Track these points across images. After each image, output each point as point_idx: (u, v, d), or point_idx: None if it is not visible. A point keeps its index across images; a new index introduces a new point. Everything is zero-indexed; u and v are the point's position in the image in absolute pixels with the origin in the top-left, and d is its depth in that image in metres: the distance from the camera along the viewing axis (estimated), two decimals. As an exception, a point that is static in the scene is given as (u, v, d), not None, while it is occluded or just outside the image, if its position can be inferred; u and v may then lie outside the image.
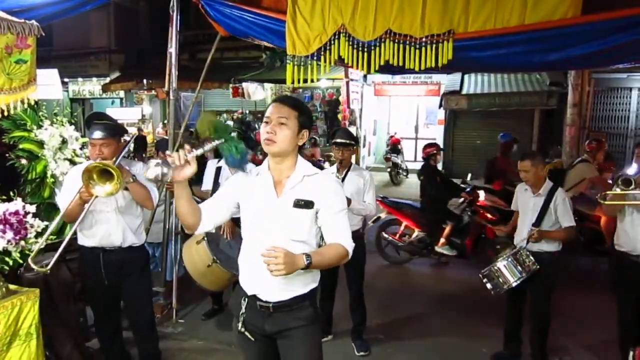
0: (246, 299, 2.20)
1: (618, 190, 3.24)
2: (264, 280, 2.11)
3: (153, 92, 15.06)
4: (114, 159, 2.98)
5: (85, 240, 3.21)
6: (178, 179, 1.99)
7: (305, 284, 2.19)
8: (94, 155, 3.07)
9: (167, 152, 1.99)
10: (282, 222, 2.12)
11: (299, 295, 2.16)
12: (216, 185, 4.53)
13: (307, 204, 2.11)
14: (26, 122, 3.85)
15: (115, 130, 3.13)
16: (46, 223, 3.03)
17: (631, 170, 3.45)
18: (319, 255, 2.06)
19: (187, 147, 1.99)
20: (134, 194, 3.18)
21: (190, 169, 1.99)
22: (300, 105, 2.18)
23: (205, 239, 3.82)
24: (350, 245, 2.17)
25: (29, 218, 2.87)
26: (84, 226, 3.14)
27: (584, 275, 5.98)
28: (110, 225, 3.18)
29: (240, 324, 2.21)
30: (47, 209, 3.85)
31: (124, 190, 3.08)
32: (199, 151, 2.02)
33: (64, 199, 3.17)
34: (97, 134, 3.05)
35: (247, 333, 2.21)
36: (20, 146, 3.82)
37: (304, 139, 2.15)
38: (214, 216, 2.23)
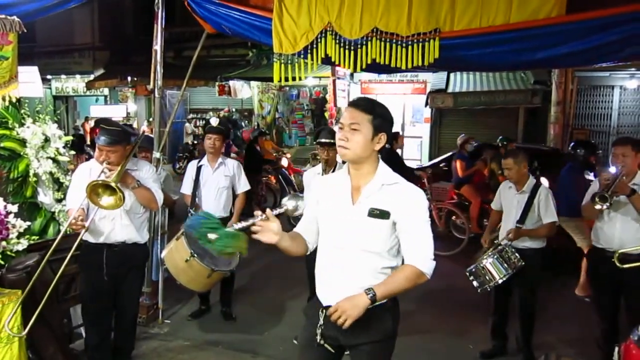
0: (324, 311, 2.07)
1: (597, 207, 3.32)
2: (339, 290, 2.01)
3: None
4: (120, 166, 3.04)
5: (90, 237, 3.21)
6: (272, 240, 1.96)
7: None
8: (101, 159, 3.12)
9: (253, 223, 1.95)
10: (355, 231, 2.02)
11: (378, 305, 1.97)
12: (197, 184, 4.50)
13: (383, 214, 1.99)
14: (8, 120, 3.78)
15: (121, 136, 3.16)
16: (28, 223, 2.99)
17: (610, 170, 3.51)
18: (383, 286, 1.94)
19: (267, 211, 1.96)
20: (140, 198, 3.24)
21: (276, 225, 1.95)
22: (373, 107, 2.03)
23: (184, 234, 3.80)
24: (426, 266, 1.98)
25: (11, 218, 2.83)
26: (90, 224, 3.15)
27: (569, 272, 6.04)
28: (115, 223, 3.25)
29: (318, 336, 2.08)
30: (30, 209, 3.78)
31: (129, 190, 3.15)
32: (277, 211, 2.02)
33: (72, 197, 3.20)
34: (104, 140, 3.09)
35: (327, 345, 2.08)
36: (2, 144, 3.73)
37: (381, 143, 2.02)
38: (315, 234, 2.20)
